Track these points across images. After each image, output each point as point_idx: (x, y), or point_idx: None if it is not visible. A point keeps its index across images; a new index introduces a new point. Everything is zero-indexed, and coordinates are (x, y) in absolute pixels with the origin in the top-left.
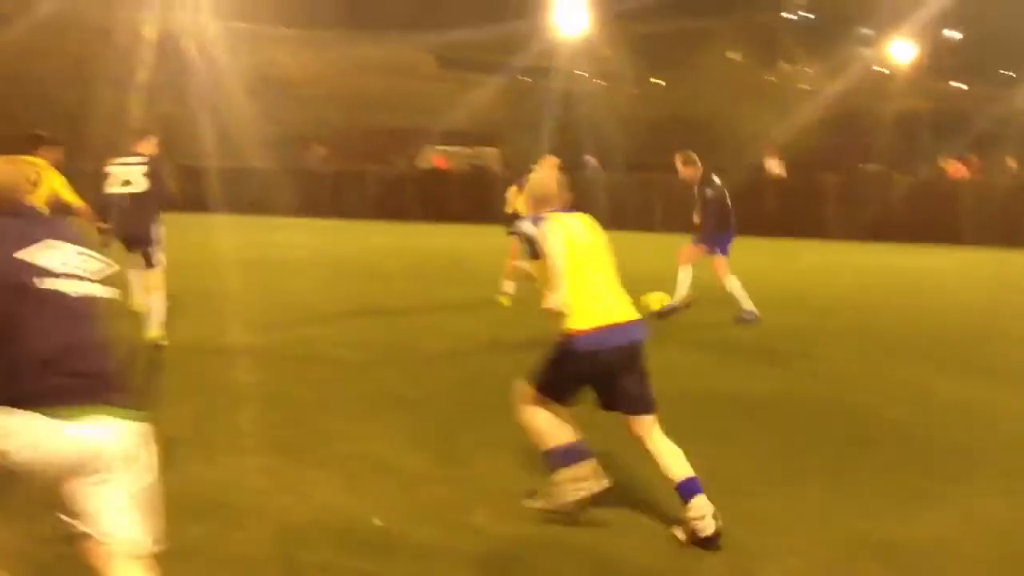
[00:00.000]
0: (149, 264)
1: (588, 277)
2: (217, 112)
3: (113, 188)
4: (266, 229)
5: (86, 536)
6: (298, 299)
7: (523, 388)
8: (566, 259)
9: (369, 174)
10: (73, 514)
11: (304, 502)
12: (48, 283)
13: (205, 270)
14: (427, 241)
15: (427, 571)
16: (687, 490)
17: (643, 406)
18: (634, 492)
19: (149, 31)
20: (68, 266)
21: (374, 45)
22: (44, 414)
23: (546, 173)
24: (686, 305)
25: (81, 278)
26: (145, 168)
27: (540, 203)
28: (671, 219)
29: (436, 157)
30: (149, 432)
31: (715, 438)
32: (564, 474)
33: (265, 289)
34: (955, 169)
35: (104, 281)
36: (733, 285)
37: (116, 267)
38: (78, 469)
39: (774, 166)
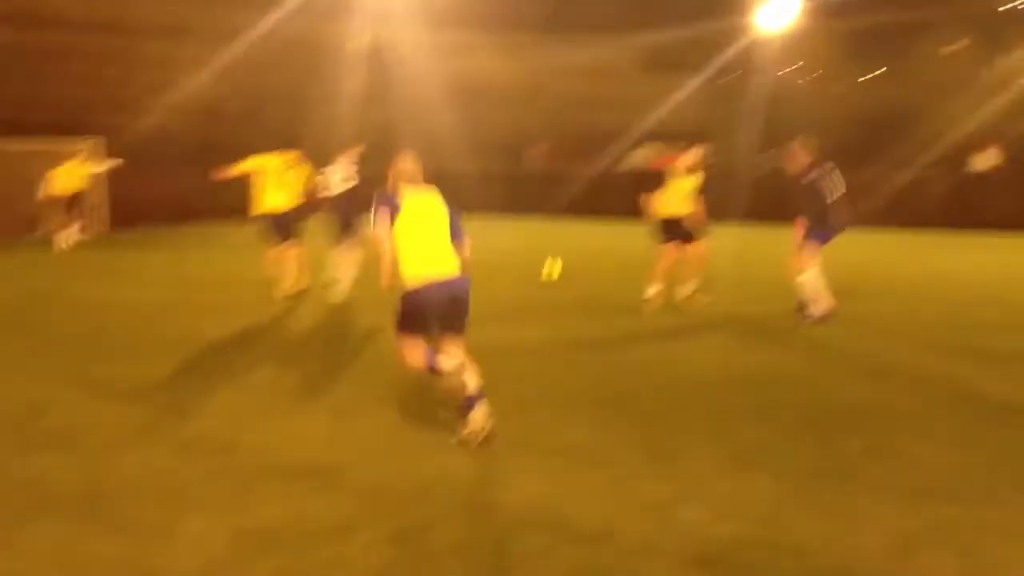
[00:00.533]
0: (353, 236)
1: (420, 239)
2: (423, 119)
3: (334, 188)
4: (473, 229)
5: None
6: (497, 297)
7: (400, 342)
8: (404, 224)
9: (573, 175)
10: None
11: (515, 494)
12: None
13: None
14: (627, 242)
15: (638, 565)
16: (470, 404)
17: (458, 329)
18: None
19: (357, 44)
20: None
21: (577, 48)
22: None
23: (408, 155)
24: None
25: None
26: (353, 169)
27: (397, 179)
28: (876, 216)
29: (650, 158)
30: None
31: (957, 444)
32: (473, 414)
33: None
34: None
35: None
36: (810, 279)
37: None
38: None
39: (982, 160)
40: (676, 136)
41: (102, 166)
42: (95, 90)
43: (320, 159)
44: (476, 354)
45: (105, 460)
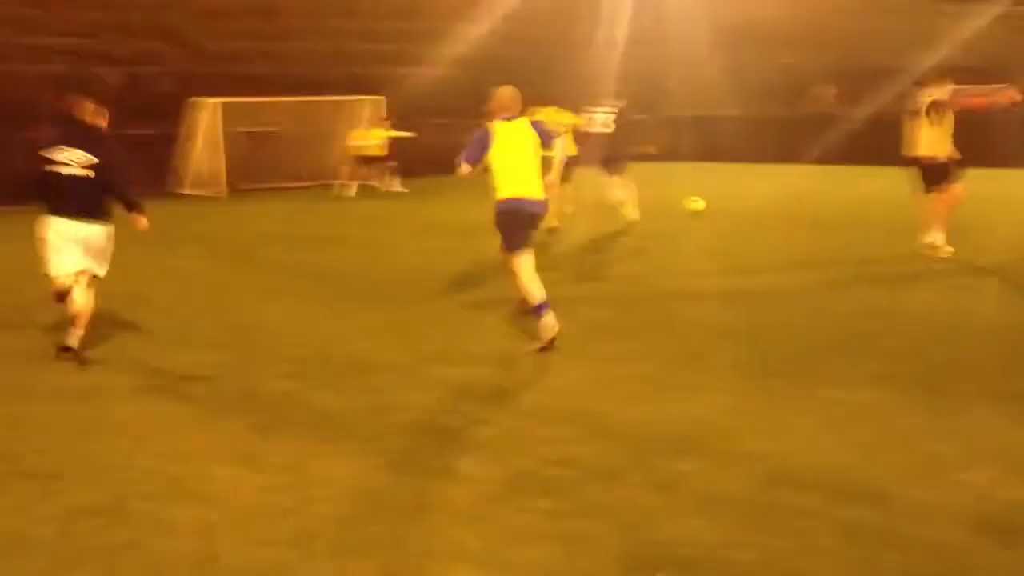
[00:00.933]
0: (619, 174)
1: (512, 165)
2: (693, 63)
3: (595, 128)
4: (739, 176)
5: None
6: (766, 246)
7: (507, 258)
8: (498, 152)
9: (852, 118)
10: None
11: (789, 446)
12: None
13: (673, 217)
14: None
15: (916, 529)
16: (539, 311)
17: (528, 244)
18: None
19: None
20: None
21: None
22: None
23: (507, 89)
24: None
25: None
26: (615, 115)
27: (499, 110)
28: None
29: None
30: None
31: None
32: (544, 320)
33: (730, 236)
34: None
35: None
36: None
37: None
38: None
39: None
40: (968, 72)
41: (396, 134)
42: (378, 44)
43: (585, 101)
44: (748, 300)
45: (387, 398)
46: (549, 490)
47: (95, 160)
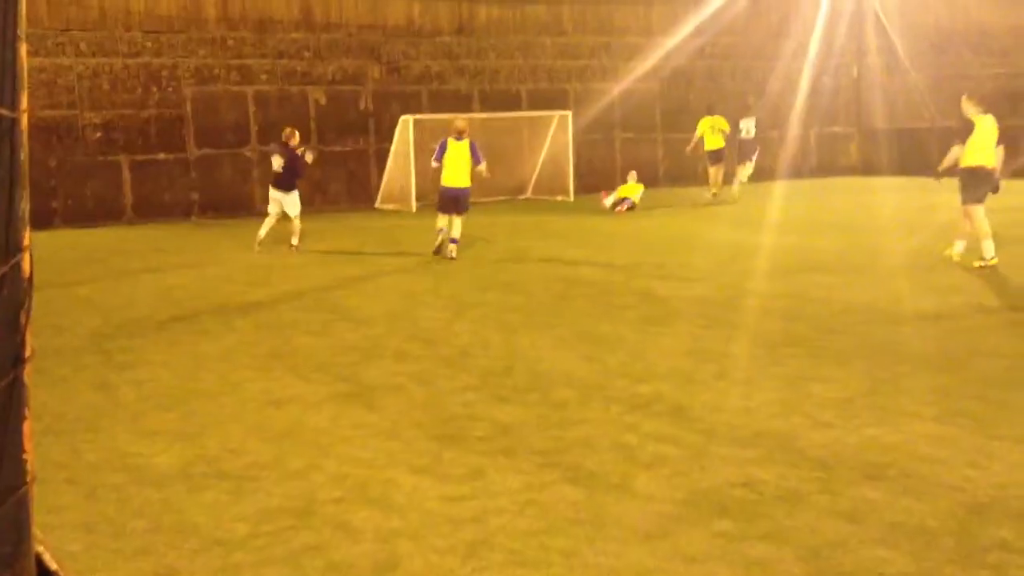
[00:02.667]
0: (747, 161)
1: (450, 166)
2: (900, 73)
3: (742, 135)
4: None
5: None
6: (960, 264)
7: (440, 216)
8: (447, 157)
9: None
10: (279, 210)
11: (986, 476)
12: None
13: (864, 232)
14: None
15: None
16: (453, 242)
17: (457, 211)
18: None
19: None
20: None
21: None
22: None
23: (459, 119)
24: None
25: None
26: (753, 122)
27: (454, 133)
28: None
29: None
30: (297, 196)
31: None
32: (452, 246)
33: (925, 253)
34: None
35: (282, 165)
36: None
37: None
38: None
39: None
40: None
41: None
42: (572, 60)
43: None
44: (948, 321)
45: (567, 413)
46: (729, 512)
47: (284, 162)
